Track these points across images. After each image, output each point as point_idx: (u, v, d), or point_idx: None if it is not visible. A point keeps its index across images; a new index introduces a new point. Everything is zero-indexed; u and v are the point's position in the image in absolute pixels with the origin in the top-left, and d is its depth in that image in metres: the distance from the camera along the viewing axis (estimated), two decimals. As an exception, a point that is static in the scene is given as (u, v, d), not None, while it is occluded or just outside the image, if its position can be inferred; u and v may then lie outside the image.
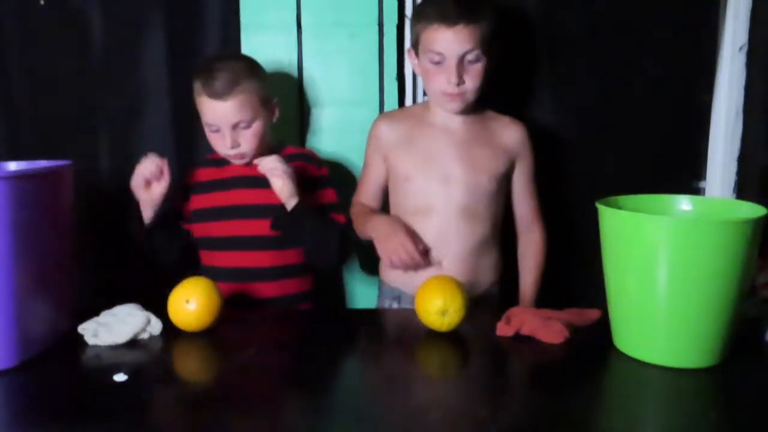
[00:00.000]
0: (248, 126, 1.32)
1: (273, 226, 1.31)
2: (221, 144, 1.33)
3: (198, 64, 1.37)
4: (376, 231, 1.30)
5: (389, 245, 1.27)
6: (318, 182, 1.39)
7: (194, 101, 1.34)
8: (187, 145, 1.57)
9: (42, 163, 1.11)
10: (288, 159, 1.33)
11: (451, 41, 1.25)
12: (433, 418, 0.78)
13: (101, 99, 1.55)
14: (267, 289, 1.36)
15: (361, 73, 1.55)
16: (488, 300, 1.38)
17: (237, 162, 1.36)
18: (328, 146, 1.57)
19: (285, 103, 1.57)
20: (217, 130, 1.32)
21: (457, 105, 1.31)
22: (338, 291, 1.64)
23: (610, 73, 1.57)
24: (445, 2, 1.26)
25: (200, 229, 1.40)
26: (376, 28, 1.53)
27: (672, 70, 1.56)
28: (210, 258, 1.40)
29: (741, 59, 1.55)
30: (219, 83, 1.27)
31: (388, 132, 1.39)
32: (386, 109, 1.55)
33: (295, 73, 1.56)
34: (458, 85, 1.27)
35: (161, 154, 1.27)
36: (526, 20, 1.47)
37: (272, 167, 1.26)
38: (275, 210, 1.30)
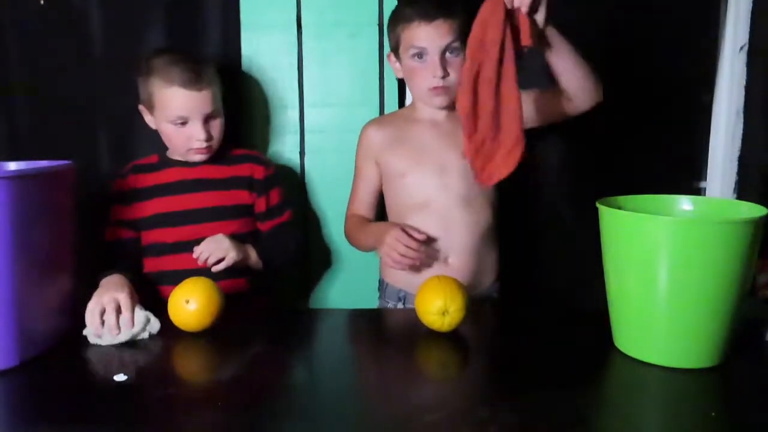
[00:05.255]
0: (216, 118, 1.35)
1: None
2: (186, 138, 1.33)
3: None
4: (372, 236, 1.34)
5: (385, 245, 1.26)
6: (266, 183, 1.42)
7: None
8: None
9: (42, 163, 1.11)
10: (235, 160, 1.41)
11: (432, 35, 1.29)
12: (433, 419, 0.78)
13: (101, 99, 1.55)
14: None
15: (361, 73, 1.55)
16: (489, 299, 1.38)
17: (199, 158, 1.36)
18: (328, 146, 1.57)
19: (285, 103, 1.57)
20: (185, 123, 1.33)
21: (442, 99, 1.34)
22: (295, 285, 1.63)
23: (610, 73, 1.56)
24: (421, 1, 1.31)
25: (152, 236, 1.36)
26: (376, 28, 1.53)
27: (672, 70, 1.56)
28: (157, 263, 1.36)
29: (741, 59, 1.55)
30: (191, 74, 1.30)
31: (376, 135, 1.41)
32: (386, 109, 1.55)
33: (295, 73, 1.55)
34: (443, 77, 1.30)
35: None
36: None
37: (212, 257, 1.27)
38: (223, 211, 1.36)
